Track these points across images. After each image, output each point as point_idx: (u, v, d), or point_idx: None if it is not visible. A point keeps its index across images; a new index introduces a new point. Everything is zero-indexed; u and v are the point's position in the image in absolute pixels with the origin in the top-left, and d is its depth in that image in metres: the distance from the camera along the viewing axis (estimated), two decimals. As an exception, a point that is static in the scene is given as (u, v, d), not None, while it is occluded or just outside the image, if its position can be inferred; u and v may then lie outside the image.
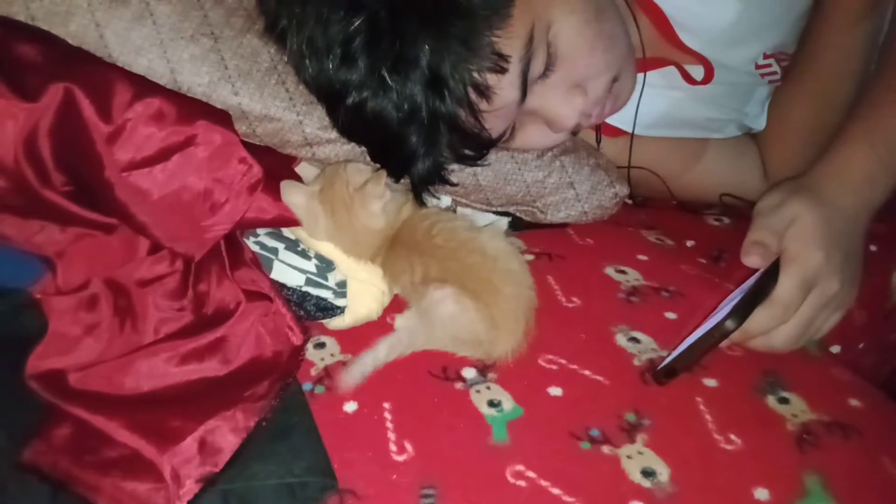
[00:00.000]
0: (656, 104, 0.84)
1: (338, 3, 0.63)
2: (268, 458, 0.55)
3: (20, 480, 0.52)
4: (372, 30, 0.63)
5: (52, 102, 0.62)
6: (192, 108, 0.66)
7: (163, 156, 0.64)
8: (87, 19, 0.68)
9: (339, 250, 0.70)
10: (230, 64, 0.71)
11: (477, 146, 0.71)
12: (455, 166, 0.73)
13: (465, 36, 0.63)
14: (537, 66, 0.68)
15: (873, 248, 0.86)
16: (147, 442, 0.53)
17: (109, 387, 0.60)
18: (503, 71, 0.65)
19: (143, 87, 0.66)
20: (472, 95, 0.65)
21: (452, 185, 0.75)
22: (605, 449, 0.57)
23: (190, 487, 0.53)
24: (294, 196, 0.69)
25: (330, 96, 0.68)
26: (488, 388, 0.62)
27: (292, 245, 0.70)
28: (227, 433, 0.56)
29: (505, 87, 0.66)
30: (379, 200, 0.68)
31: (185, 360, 0.62)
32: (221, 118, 0.67)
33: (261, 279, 0.66)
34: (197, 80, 0.70)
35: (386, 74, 0.63)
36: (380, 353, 0.64)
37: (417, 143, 0.67)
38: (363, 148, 0.73)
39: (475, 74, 0.64)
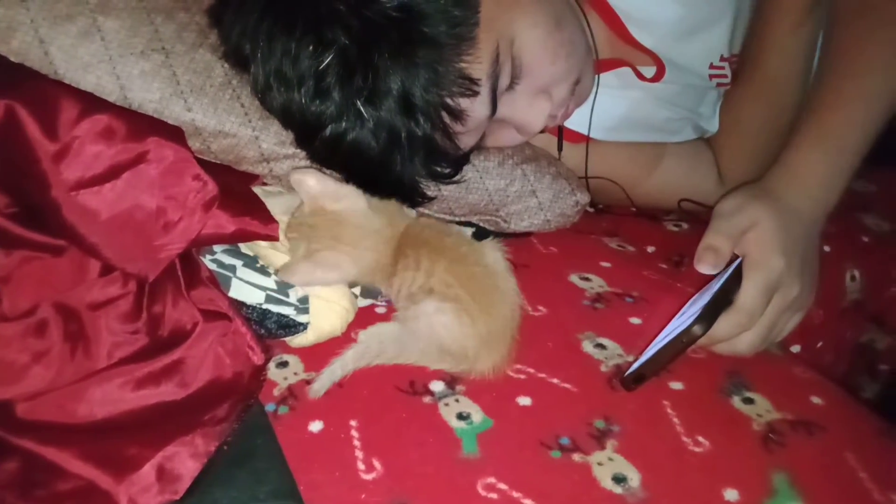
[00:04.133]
0: (614, 106, 0.86)
1: (306, 39, 0.64)
2: (230, 483, 0.53)
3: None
4: (343, 65, 0.63)
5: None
6: (142, 125, 0.64)
7: (112, 174, 0.62)
8: (31, 35, 0.65)
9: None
10: (182, 79, 0.69)
11: (452, 163, 0.73)
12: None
13: (434, 65, 0.64)
14: (504, 81, 0.70)
15: (827, 248, 0.89)
16: (102, 471, 0.51)
17: (61, 416, 0.57)
18: (475, 94, 0.67)
19: (91, 103, 0.64)
20: (447, 119, 0.67)
21: (430, 200, 0.75)
22: (576, 457, 0.56)
23: None
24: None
25: (303, 126, 0.68)
26: (457, 400, 0.61)
27: (251, 262, 0.68)
28: (186, 459, 0.54)
29: (477, 107, 0.68)
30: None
31: (140, 384, 0.59)
32: (174, 134, 0.65)
33: (219, 298, 0.64)
34: (148, 96, 0.68)
35: (361, 107, 0.64)
36: (347, 360, 0.63)
37: (397, 167, 0.68)
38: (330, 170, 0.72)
39: (447, 100, 0.66)
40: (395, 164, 0.68)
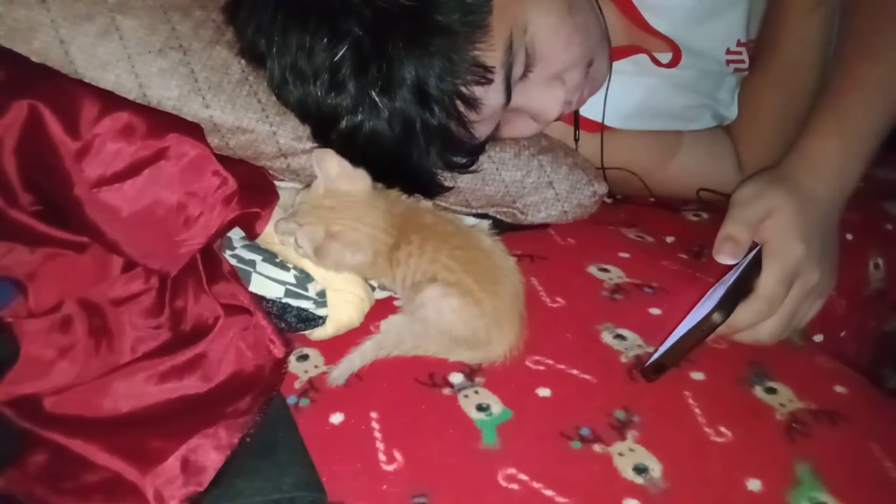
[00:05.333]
0: (631, 94, 0.85)
1: (320, 32, 0.64)
2: (253, 475, 0.54)
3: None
4: (358, 56, 0.64)
5: (16, 120, 0.60)
6: (162, 122, 0.65)
7: (133, 171, 0.63)
8: (51, 36, 0.66)
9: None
10: (200, 76, 0.70)
11: (468, 153, 0.73)
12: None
13: (448, 54, 0.64)
14: (518, 69, 0.69)
15: (849, 236, 0.88)
16: (128, 464, 0.52)
17: (87, 409, 0.58)
18: (489, 82, 0.67)
19: (111, 101, 0.64)
20: (461, 108, 0.67)
21: (447, 190, 0.75)
22: (597, 447, 0.56)
23: None
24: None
25: (319, 119, 0.69)
26: (476, 392, 0.61)
27: (270, 257, 0.69)
28: (210, 451, 0.55)
29: (491, 95, 0.68)
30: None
31: (163, 378, 0.60)
32: (193, 131, 0.66)
33: (240, 292, 0.65)
34: (166, 93, 0.69)
35: (376, 97, 0.65)
36: (367, 350, 0.63)
37: (413, 157, 0.68)
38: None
39: (462, 88, 0.66)
40: (412, 155, 0.68)
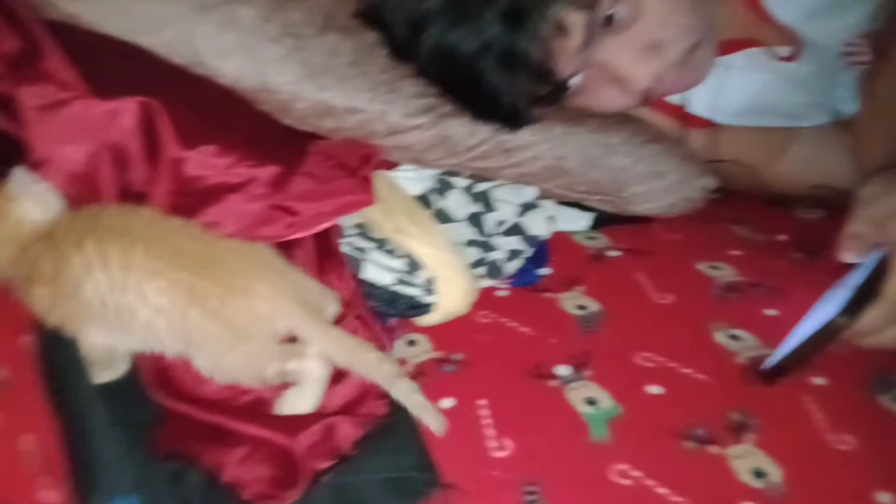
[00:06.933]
0: (741, 89, 0.82)
1: None
2: (376, 452, 0.55)
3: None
4: None
5: (134, 115, 0.61)
6: (259, 149, 0.66)
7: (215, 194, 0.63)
8: (179, 27, 0.69)
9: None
10: (313, 61, 0.72)
11: (547, 86, 0.71)
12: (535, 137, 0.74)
13: None
14: (621, 11, 0.67)
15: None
16: (277, 432, 0.54)
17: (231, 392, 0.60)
18: (589, 7, 0.65)
19: (213, 127, 0.65)
20: (549, 32, 0.65)
21: (533, 123, 0.75)
22: (712, 449, 0.55)
23: (312, 474, 0.54)
24: None
25: (411, 28, 0.70)
26: (584, 385, 0.61)
27: (381, 245, 0.70)
28: (348, 424, 0.57)
29: (583, 27, 0.66)
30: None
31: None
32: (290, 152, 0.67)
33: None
34: (283, 79, 0.71)
35: (466, 5, 0.65)
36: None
37: (492, 78, 0.68)
38: (446, 132, 0.73)
39: (556, 10, 0.64)
40: (492, 77, 0.68)
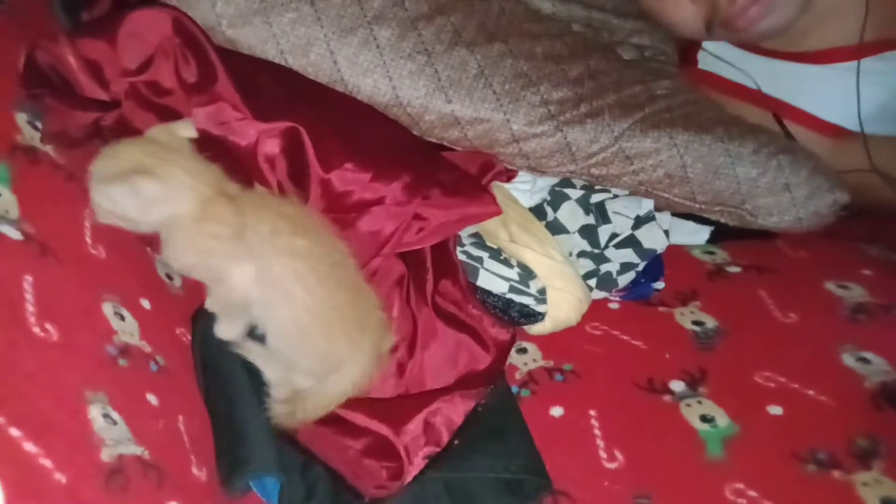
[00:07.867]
0: (876, 95, 0.78)
1: None
2: (486, 452, 0.58)
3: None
4: None
5: (285, 134, 0.67)
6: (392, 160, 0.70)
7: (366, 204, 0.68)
8: (324, 48, 0.75)
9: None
10: (443, 76, 0.76)
11: None
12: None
13: None
14: None
15: None
16: (382, 423, 0.58)
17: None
18: None
19: (349, 143, 0.69)
20: None
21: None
22: (836, 474, 0.53)
23: (417, 464, 0.57)
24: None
25: None
26: (699, 402, 0.61)
27: (495, 254, 0.73)
28: (447, 415, 0.60)
29: None
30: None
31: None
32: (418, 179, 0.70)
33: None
34: (414, 93, 0.76)
35: None
36: None
37: None
38: (567, 139, 0.75)
39: None
40: None
